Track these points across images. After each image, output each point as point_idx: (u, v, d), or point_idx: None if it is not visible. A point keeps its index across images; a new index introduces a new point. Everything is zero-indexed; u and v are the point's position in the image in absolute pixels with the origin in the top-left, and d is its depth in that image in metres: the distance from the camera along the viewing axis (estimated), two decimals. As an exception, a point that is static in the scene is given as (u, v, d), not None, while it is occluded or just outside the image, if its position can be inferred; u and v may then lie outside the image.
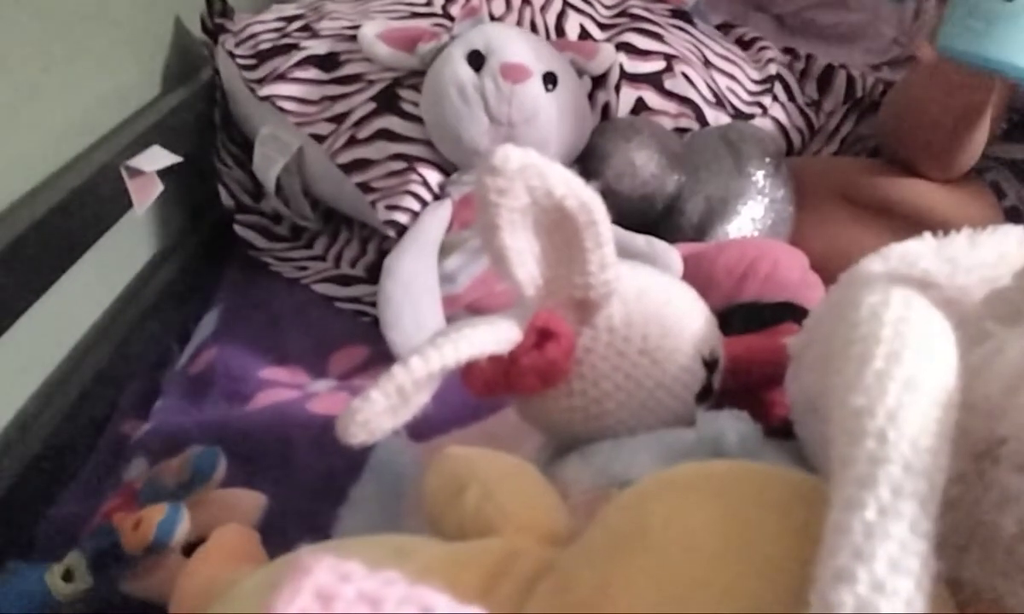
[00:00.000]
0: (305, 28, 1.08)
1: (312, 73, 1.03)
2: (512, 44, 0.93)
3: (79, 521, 0.70)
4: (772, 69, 1.11)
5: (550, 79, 0.93)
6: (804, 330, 0.53)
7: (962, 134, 0.93)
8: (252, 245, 1.09)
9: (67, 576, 0.59)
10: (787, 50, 1.16)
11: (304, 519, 0.63)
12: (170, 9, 1.15)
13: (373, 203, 0.96)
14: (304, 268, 1.06)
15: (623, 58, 1.04)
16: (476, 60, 0.92)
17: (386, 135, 0.98)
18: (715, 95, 1.06)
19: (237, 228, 1.09)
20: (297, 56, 1.04)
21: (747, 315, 0.71)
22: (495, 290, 0.85)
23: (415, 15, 1.05)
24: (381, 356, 0.87)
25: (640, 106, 1.03)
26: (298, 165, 1.04)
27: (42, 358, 0.82)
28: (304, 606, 0.23)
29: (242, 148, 1.13)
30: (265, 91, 1.03)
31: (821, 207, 0.96)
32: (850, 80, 1.12)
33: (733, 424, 0.49)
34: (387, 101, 0.99)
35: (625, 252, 0.73)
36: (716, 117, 1.05)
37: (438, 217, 0.91)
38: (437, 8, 1.06)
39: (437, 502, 0.45)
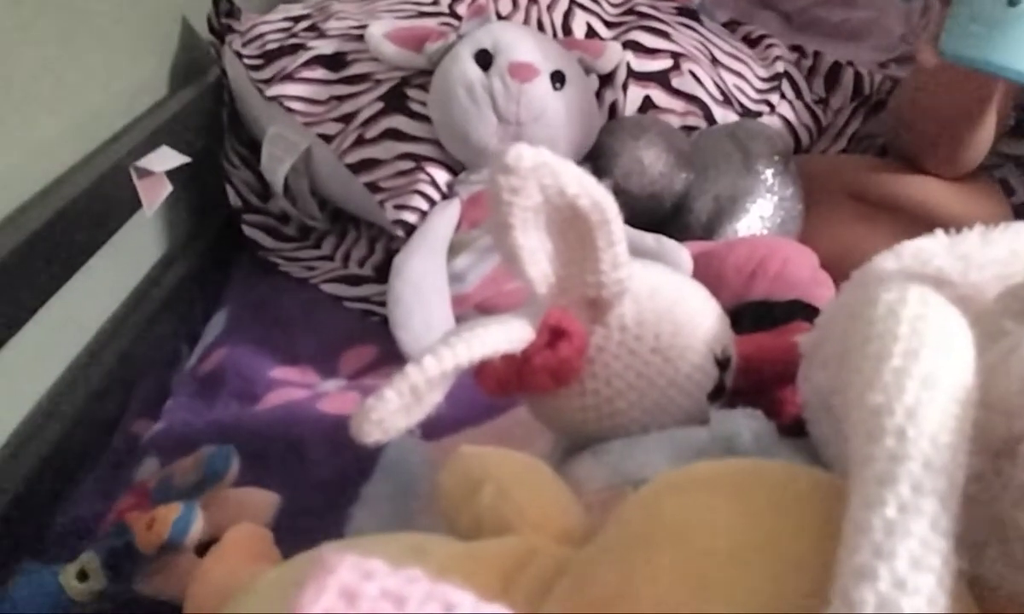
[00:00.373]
0: (312, 28, 1.08)
1: (319, 73, 1.03)
2: (520, 43, 0.93)
3: (91, 521, 0.70)
4: (779, 67, 1.11)
5: (558, 78, 0.93)
6: (816, 328, 0.53)
7: (968, 130, 0.93)
8: (260, 245, 1.09)
9: (81, 576, 0.59)
10: (794, 47, 1.15)
11: (315, 518, 0.63)
12: (177, 10, 1.15)
13: (381, 203, 0.96)
14: (312, 268, 1.06)
15: (630, 56, 1.04)
16: (484, 59, 0.92)
17: (394, 135, 0.98)
18: (723, 93, 1.06)
19: (245, 228, 1.09)
20: (304, 56, 1.04)
21: (757, 314, 0.71)
22: (504, 289, 0.85)
23: (422, 14, 1.05)
24: (391, 355, 0.87)
25: (647, 104, 1.03)
26: (306, 165, 1.04)
27: (53, 358, 0.82)
28: (329, 604, 0.23)
29: (250, 148, 1.14)
30: (272, 91, 1.03)
31: (829, 205, 0.96)
32: (858, 77, 1.12)
33: (747, 422, 0.49)
34: (395, 101, 0.99)
35: (635, 251, 0.72)
36: (724, 115, 1.05)
37: (447, 216, 0.91)
38: (444, 7, 1.07)
39: (452, 501, 0.45)
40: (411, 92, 0.99)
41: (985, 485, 0.32)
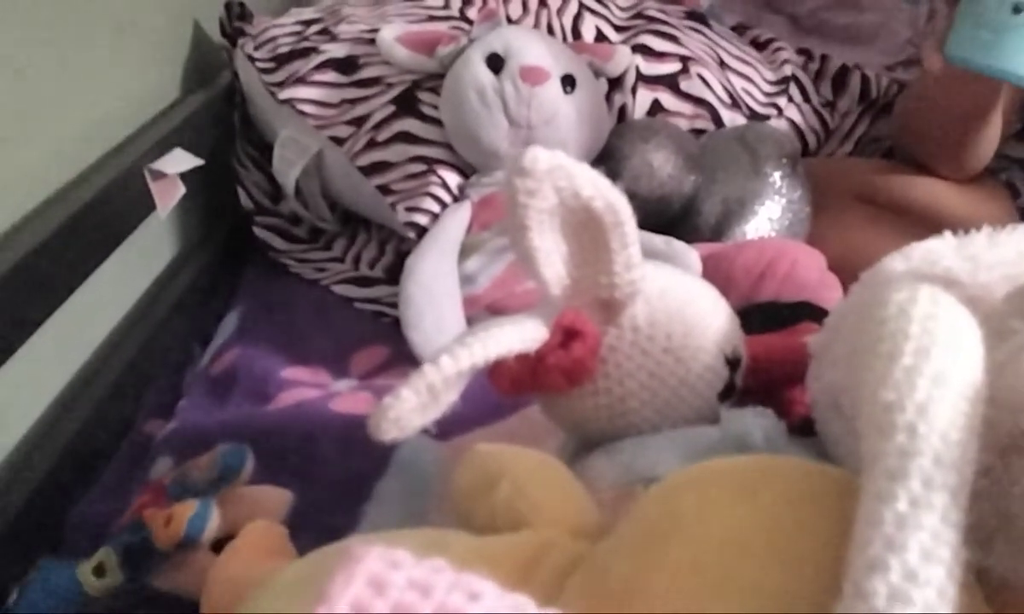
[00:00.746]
0: (324, 32, 1.08)
1: (331, 76, 1.04)
2: (531, 47, 0.93)
3: (106, 519, 0.70)
4: (787, 70, 1.12)
5: (568, 81, 0.94)
6: (826, 328, 0.53)
7: (973, 132, 0.93)
8: (272, 247, 1.10)
9: (98, 571, 0.59)
10: (802, 51, 1.16)
11: (328, 516, 0.64)
12: (189, 13, 1.16)
13: (393, 205, 0.97)
14: (323, 269, 1.07)
15: (639, 60, 1.05)
16: (495, 63, 0.93)
17: (405, 137, 0.98)
18: (730, 96, 1.06)
19: (256, 230, 1.10)
20: (316, 59, 1.05)
21: (765, 315, 0.71)
22: (515, 291, 0.86)
23: (432, 18, 1.06)
24: (402, 356, 0.87)
25: (656, 108, 1.04)
26: (317, 168, 1.05)
27: (67, 359, 0.83)
28: (358, 593, 0.24)
29: (261, 151, 1.14)
30: (285, 94, 1.04)
31: (837, 208, 0.97)
32: (865, 81, 1.13)
33: (758, 421, 0.49)
34: (406, 104, 0.99)
35: (644, 253, 0.73)
36: (732, 118, 1.06)
37: (458, 218, 0.92)
38: (454, 11, 1.07)
39: (467, 497, 0.46)
40: (422, 95, 1.00)
41: (994, 480, 0.33)
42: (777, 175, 0.94)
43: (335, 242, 1.11)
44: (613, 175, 0.92)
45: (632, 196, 0.49)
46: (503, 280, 0.87)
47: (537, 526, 0.41)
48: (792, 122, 1.09)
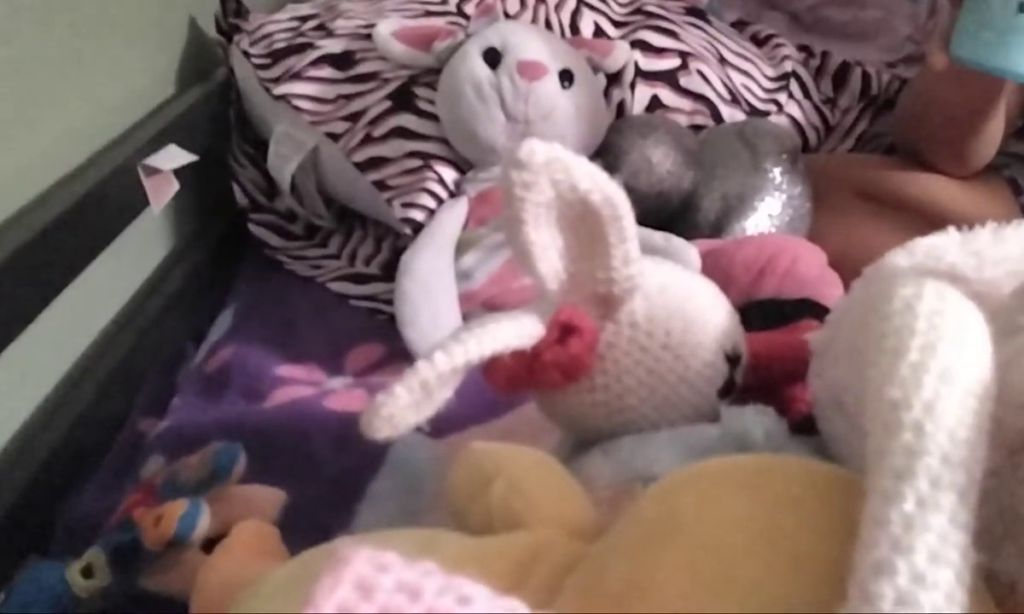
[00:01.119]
0: (320, 27, 1.08)
1: (327, 72, 1.03)
2: (529, 42, 0.93)
3: (96, 518, 0.70)
4: (788, 66, 1.11)
5: (566, 76, 0.93)
6: (827, 325, 0.52)
7: (976, 128, 0.93)
8: (267, 244, 1.09)
9: (87, 572, 0.58)
10: (802, 47, 1.15)
11: (322, 515, 0.63)
12: (185, 9, 1.15)
13: (389, 201, 0.96)
14: (319, 266, 1.06)
15: (638, 56, 1.04)
16: (492, 57, 0.92)
17: (402, 133, 0.98)
18: (730, 92, 1.06)
19: (251, 227, 1.09)
20: (312, 55, 1.04)
21: (766, 311, 0.71)
22: (512, 287, 0.85)
23: (429, 13, 1.05)
24: (397, 354, 0.87)
25: (655, 104, 1.03)
26: (313, 164, 1.04)
27: (59, 356, 0.82)
28: (344, 597, 0.23)
29: (256, 147, 1.14)
30: (280, 90, 1.03)
31: (838, 204, 0.96)
32: (865, 77, 1.12)
33: (759, 419, 0.48)
34: (403, 99, 0.99)
35: (643, 249, 0.72)
36: (731, 114, 1.05)
37: (454, 214, 0.91)
38: (452, 6, 1.06)
39: (462, 496, 0.45)
40: (419, 90, 0.99)
41: (1002, 480, 0.32)
42: (777, 171, 0.93)
43: (331, 239, 1.10)
44: (611, 171, 0.90)
45: (631, 192, 0.48)
46: (500, 276, 0.86)
47: (533, 526, 0.40)
48: (792, 119, 1.09)
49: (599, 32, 1.07)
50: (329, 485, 0.71)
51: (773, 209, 0.92)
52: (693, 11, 1.14)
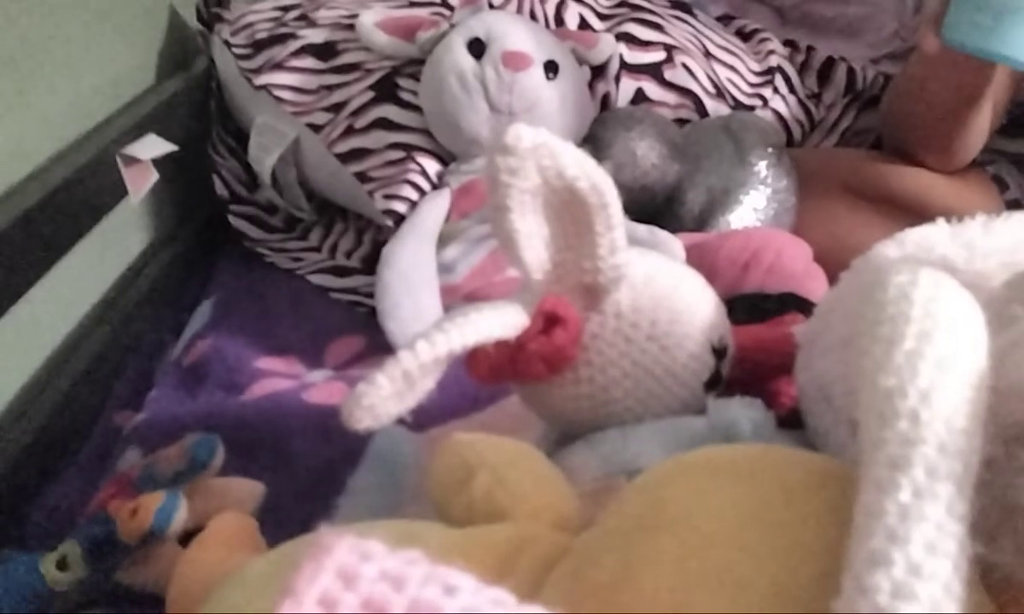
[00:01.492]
0: (302, 17, 1.07)
1: (309, 62, 1.02)
2: (513, 32, 0.92)
3: (72, 511, 0.69)
4: (773, 61, 1.10)
5: (551, 68, 0.92)
6: (815, 318, 0.52)
7: (963, 119, 0.93)
8: (247, 236, 1.08)
9: (62, 565, 0.58)
10: (787, 42, 1.15)
11: (300, 509, 0.62)
12: (165, -3, 1.14)
13: (371, 192, 0.95)
14: (299, 259, 1.05)
15: (623, 48, 1.03)
16: (477, 48, 0.91)
17: (384, 124, 0.97)
18: (715, 86, 1.05)
19: (231, 219, 1.08)
20: (294, 45, 1.03)
21: (750, 305, 0.70)
22: (494, 280, 0.84)
23: (413, 4, 1.04)
24: (378, 347, 0.86)
25: (640, 97, 1.03)
26: (294, 155, 1.03)
27: (35, 347, 0.81)
28: (326, 585, 0.22)
29: (237, 138, 1.12)
30: (261, 80, 1.02)
31: (823, 198, 0.96)
32: (851, 73, 1.12)
33: (746, 412, 0.48)
34: (385, 90, 0.98)
35: (627, 242, 0.72)
36: (716, 108, 1.04)
37: (436, 206, 0.90)
38: (435, -4, 1.05)
39: (444, 488, 0.44)
40: (402, 81, 0.98)
41: (997, 471, 0.31)
42: (762, 165, 0.92)
43: (311, 231, 1.09)
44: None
45: (615, 185, 0.48)
46: (482, 269, 0.85)
47: (518, 518, 0.39)
48: (777, 113, 1.08)
49: (584, 24, 1.06)
50: (308, 478, 0.70)
51: (758, 203, 0.92)
52: (678, 4, 1.13)
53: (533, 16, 1.04)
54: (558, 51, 0.95)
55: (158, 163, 0.91)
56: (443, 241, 0.88)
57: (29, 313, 0.75)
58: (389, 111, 0.97)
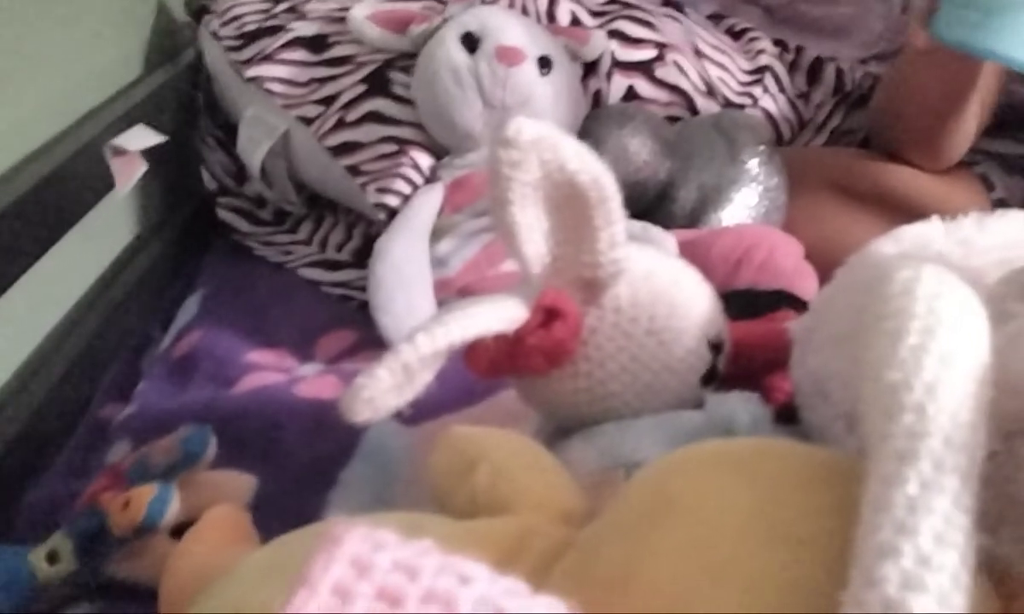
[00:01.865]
0: (292, 9, 1.06)
1: (300, 55, 1.02)
2: (507, 27, 0.92)
3: (59, 504, 0.68)
4: (763, 60, 1.11)
5: (545, 63, 0.92)
6: (810, 313, 0.52)
7: (950, 117, 0.93)
8: (235, 229, 1.07)
9: (52, 557, 0.57)
10: (777, 42, 1.15)
11: (293, 502, 0.62)
12: (154, -12, 1.13)
13: (363, 186, 0.94)
14: (289, 252, 1.05)
15: (615, 45, 1.03)
16: (470, 42, 0.91)
17: (376, 118, 0.96)
18: (706, 85, 1.05)
19: (220, 212, 1.08)
20: (284, 37, 1.02)
21: (742, 302, 0.70)
22: (487, 274, 0.84)
23: (405, -3, 1.04)
24: (369, 340, 0.85)
25: (631, 94, 1.03)
26: (284, 148, 1.02)
27: (22, 339, 0.80)
28: (340, 575, 0.22)
29: (226, 131, 1.12)
30: (251, 72, 1.01)
31: (812, 196, 0.96)
32: (839, 73, 1.12)
33: (744, 406, 0.48)
34: (377, 83, 0.97)
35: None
36: (707, 107, 1.04)
37: (429, 201, 0.90)
38: (428, -10, 1.05)
39: (445, 481, 0.44)
40: (394, 75, 0.97)
41: (998, 465, 0.32)
42: (754, 162, 0.93)
43: (301, 225, 1.08)
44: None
45: (608, 181, 0.48)
46: (476, 264, 0.85)
47: (520, 510, 0.39)
48: (767, 112, 1.08)
49: (576, 21, 1.06)
50: (300, 472, 0.69)
51: (749, 200, 0.92)
52: (670, 3, 1.13)
53: (525, 11, 1.04)
54: (551, 47, 0.95)
55: (146, 155, 0.90)
56: (436, 235, 0.88)
57: (16, 305, 0.74)
58: (381, 104, 0.97)
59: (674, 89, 1.04)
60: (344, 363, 0.86)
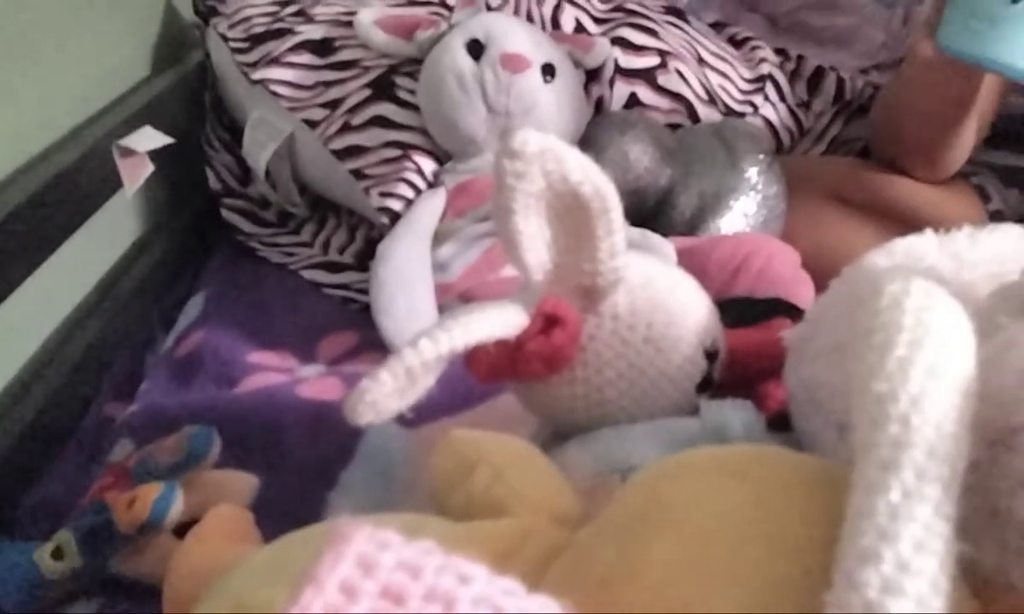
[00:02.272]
0: (299, 13, 1.07)
1: (306, 58, 1.02)
2: (512, 34, 0.93)
3: (63, 502, 0.69)
4: (764, 69, 1.12)
5: (549, 70, 0.93)
6: (805, 323, 0.53)
7: (950, 129, 0.94)
8: (239, 230, 1.08)
9: (56, 554, 0.58)
10: (778, 51, 1.16)
11: (293, 503, 0.63)
12: (162, -10, 1.14)
13: (366, 190, 0.95)
14: (292, 254, 1.05)
15: (618, 53, 1.04)
16: (475, 49, 0.92)
17: (381, 122, 0.97)
18: (707, 93, 1.06)
19: (224, 212, 1.08)
20: (291, 41, 1.03)
21: (738, 310, 0.71)
22: (488, 279, 0.85)
23: (412, 2, 1.04)
24: (371, 343, 0.86)
25: (633, 101, 1.04)
26: (288, 150, 1.03)
27: (27, 338, 0.81)
28: (346, 573, 0.23)
29: (231, 132, 1.13)
30: (258, 75, 1.02)
31: (810, 205, 0.97)
32: (840, 82, 1.13)
33: (738, 413, 0.49)
34: (382, 88, 0.98)
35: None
36: (708, 115, 1.05)
37: (432, 205, 0.91)
38: (434, -4, 1.06)
39: (444, 483, 0.45)
40: (399, 80, 0.98)
41: (982, 474, 0.33)
42: (753, 171, 0.94)
43: (304, 227, 1.09)
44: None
45: (608, 188, 0.49)
46: (477, 268, 0.86)
47: (518, 513, 0.40)
48: (767, 120, 1.09)
49: (580, 28, 1.07)
50: (301, 473, 0.70)
51: (748, 209, 0.93)
52: (672, 10, 1.14)
53: (530, 18, 1.05)
54: (555, 54, 0.96)
55: (152, 156, 0.91)
56: (438, 239, 0.89)
57: (22, 304, 0.75)
58: (386, 109, 0.98)
59: (676, 96, 1.05)
60: (345, 365, 0.87)
